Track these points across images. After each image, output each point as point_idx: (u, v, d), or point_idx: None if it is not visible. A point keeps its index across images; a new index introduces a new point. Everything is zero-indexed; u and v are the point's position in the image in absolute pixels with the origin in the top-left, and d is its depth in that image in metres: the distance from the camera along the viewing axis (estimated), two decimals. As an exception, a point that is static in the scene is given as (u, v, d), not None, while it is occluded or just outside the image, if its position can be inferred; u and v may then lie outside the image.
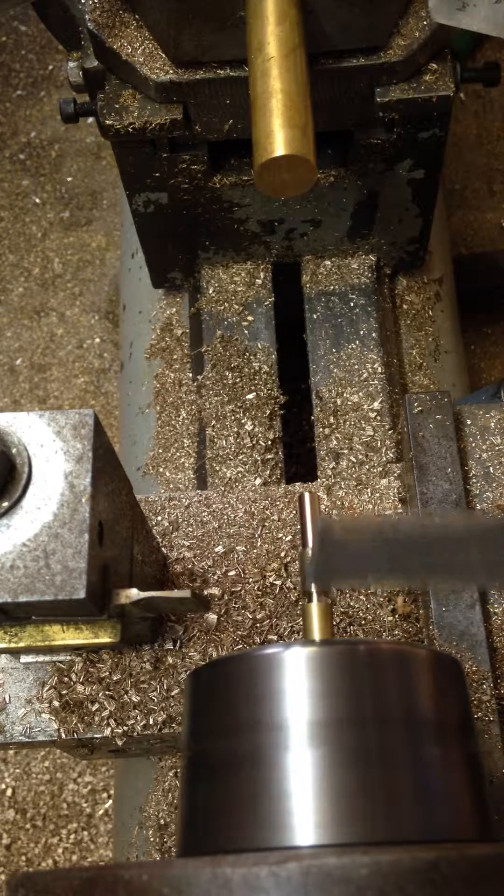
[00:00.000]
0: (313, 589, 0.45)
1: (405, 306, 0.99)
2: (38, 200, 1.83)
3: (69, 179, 1.84)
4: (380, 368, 0.91)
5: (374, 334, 0.93)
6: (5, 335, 1.72)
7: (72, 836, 1.39)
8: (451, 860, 0.33)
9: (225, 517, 0.66)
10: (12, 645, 0.47)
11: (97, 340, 1.71)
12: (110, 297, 1.73)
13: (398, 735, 0.40)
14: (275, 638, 0.61)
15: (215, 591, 0.62)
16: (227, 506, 0.66)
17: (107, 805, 1.40)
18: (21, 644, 0.47)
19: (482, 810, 0.42)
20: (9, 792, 1.42)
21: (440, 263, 1.03)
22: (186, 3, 0.66)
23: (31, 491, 0.42)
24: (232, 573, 0.63)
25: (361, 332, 0.93)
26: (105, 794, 1.41)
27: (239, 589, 0.62)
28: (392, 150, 0.81)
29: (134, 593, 0.45)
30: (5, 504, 0.42)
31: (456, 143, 1.65)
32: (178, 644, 0.61)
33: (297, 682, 0.41)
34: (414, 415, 0.68)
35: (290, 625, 0.61)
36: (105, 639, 0.48)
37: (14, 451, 0.43)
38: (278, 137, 0.59)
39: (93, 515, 0.42)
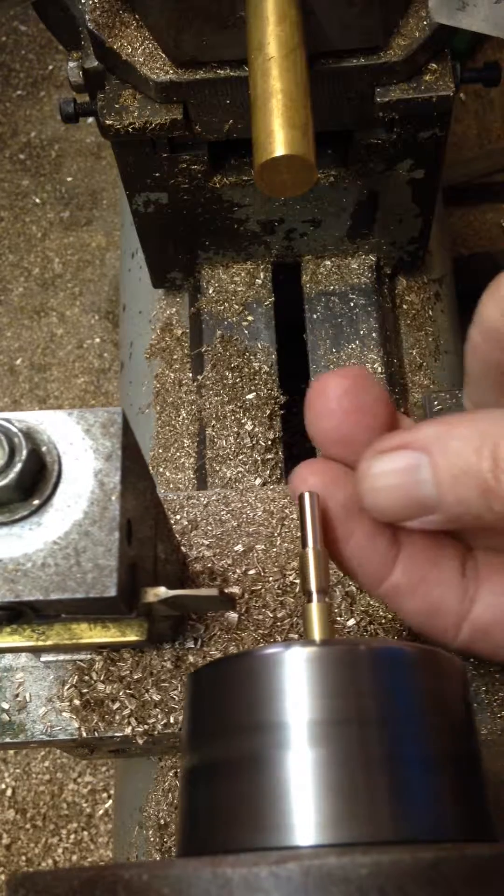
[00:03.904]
0: (313, 589, 0.45)
1: (405, 306, 0.99)
2: (38, 200, 1.83)
3: (69, 179, 1.84)
4: (380, 368, 0.91)
5: (374, 334, 0.93)
6: (5, 335, 1.72)
7: (72, 836, 1.39)
8: (451, 860, 0.33)
9: (244, 516, 0.66)
10: (39, 643, 0.47)
11: (97, 340, 1.71)
12: (110, 297, 1.73)
13: (399, 735, 0.40)
14: (296, 636, 0.61)
15: (236, 589, 0.62)
16: (245, 504, 0.66)
17: (107, 805, 1.40)
18: (48, 642, 0.47)
19: (483, 810, 0.42)
20: (9, 792, 1.42)
21: (440, 263, 1.03)
22: (186, 3, 0.66)
23: (61, 489, 0.42)
24: (252, 572, 0.63)
25: (361, 332, 0.93)
26: (105, 794, 1.41)
27: (259, 588, 0.62)
28: (392, 150, 0.81)
29: (162, 591, 0.45)
30: (36, 502, 0.42)
31: (456, 143, 1.65)
32: (199, 643, 0.61)
33: (297, 682, 0.41)
34: (435, 412, 0.68)
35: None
36: (132, 637, 0.47)
37: (44, 449, 0.43)
38: (278, 137, 0.60)
39: (122, 513, 0.42)
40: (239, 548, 0.64)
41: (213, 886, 0.33)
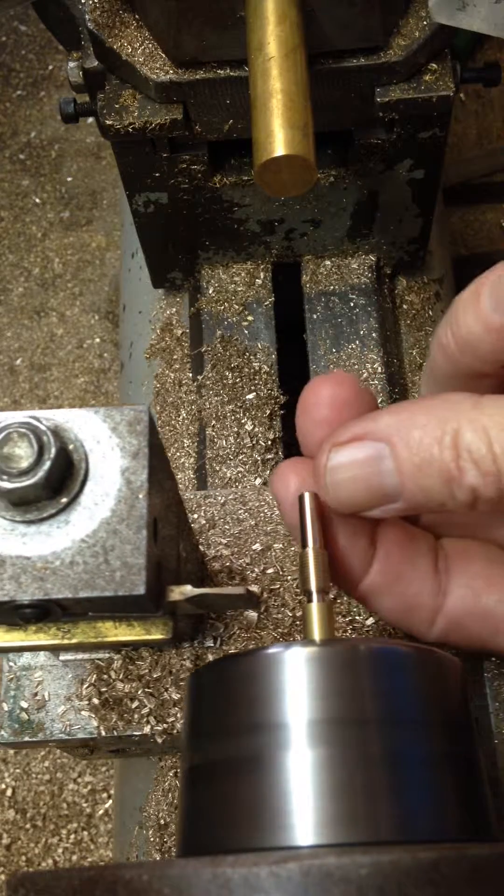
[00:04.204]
0: (313, 589, 0.45)
1: (405, 306, 0.99)
2: (38, 200, 1.83)
3: (69, 179, 1.84)
4: (380, 368, 0.91)
5: (374, 334, 0.93)
6: (5, 335, 1.72)
7: (72, 836, 1.39)
8: (451, 860, 0.33)
9: (262, 515, 0.66)
10: (65, 641, 0.47)
11: (97, 340, 1.71)
12: (110, 297, 1.73)
13: (399, 735, 0.40)
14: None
15: (254, 588, 0.62)
16: (263, 503, 0.66)
17: (107, 805, 1.40)
18: (73, 640, 0.47)
19: (483, 810, 0.42)
20: (9, 792, 1.42)
21: (440, 263, 1.03)
22: (186, 3, 0.66)
23: (89, 487, 0.42)
24: (270, 571, 0.63)
25: (361, 332, 0.93)
26: (105, 794, 1.41)
27: (278, 587, 0.62)
28: (392, 150, 0.81)
29: (188, 590, 0.45)
30: (64, 500, 0.42)
31: (456, 143, 1.65)
32: (218, 642, 0.60)
33: (297, 682, 0.41)
34: None
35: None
36: (157, 635, 0.47)
37: (71, 447, 0.43)
38: (278, 137, 0.59)
39: (150, 512, 0.42)
40: (257, 546, 0.64)
41: (213, 886, 0.33)
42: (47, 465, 0.41)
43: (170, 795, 0.74)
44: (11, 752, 1.43)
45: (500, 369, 0.44)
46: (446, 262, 1.07)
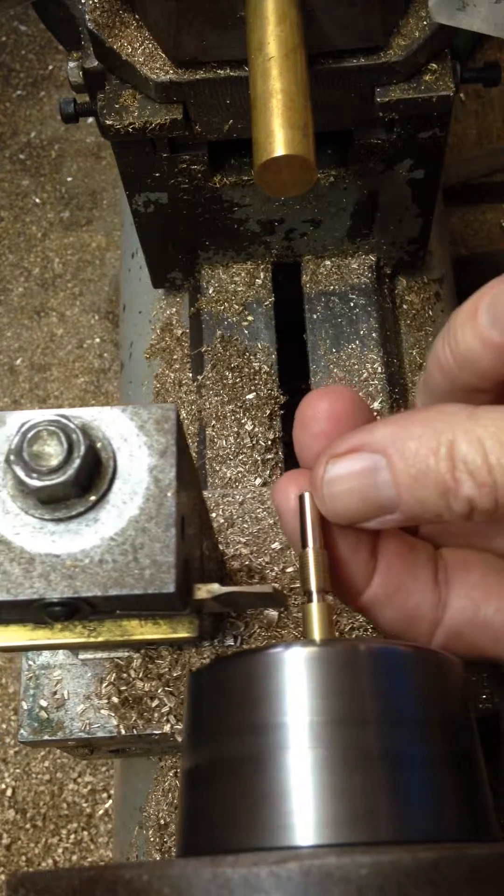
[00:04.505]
0: (313, 589, 0.45)
1: (405, 306, 0.99)
2: (38, 200, 1.83)
3: (69, 179, 1.84)
4: (380, 368, 0.91)
5: (374, 334, 0.93)
6: (5, 335, 1.72)
7: (72, 836, 1.39)
8: (451, 860, 0.33)
9: None
10: (91, 640, 0.47)
11: (97, 340, 1.71)
12: (110, 297, 1.73)
13: (399, 734, 0.40)
14: (336, 634, 0.61)
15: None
16: None
17: (107, 805, 1.40)
18: (99, 639, 0.47)
19: (483, 810, 0.42)
20: (9, 792, 1.42)
21: (440, 263, 1.03)
22: (186, 3, 0.66)
23: (117, 485, 0.42)
24: (290, 570, 0.63)
25: (361, 332, 0.93)
26: (105, 794, 1.41)
27: (297, 585, 0.62)
28: (392, 150, 0.81)
29: (216, 588, 0.45)
30: (92, 498, 0.42)
31: (456, 143, 1.65)
32: (238, 640, 0.60)
33: (297, 682, 0.41)
34: None
35: (349, 622, 0.61)
36: (183, 634, 0.47)
37: (99, 445, 0.43)
38: (278, 137, 0.59)
39: (178, 510, 0.42)
40: (276, 545, 0.64)
41: (213, 886, 0.33)
42: (77, 462, 0.41)
43: (170, 795, 0.74)
44: (11, 752, 1.43)
45: (497, 385, 0.44)
46: (446, 262, 1.07)
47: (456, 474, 0.40)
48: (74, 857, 1.37)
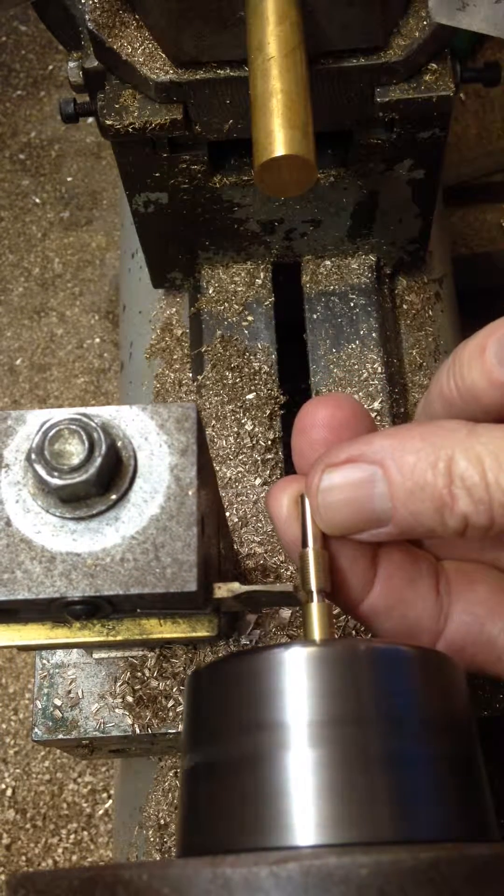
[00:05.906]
0: (313, 589, 0.45)
1: (405, 306, 0.99)
2: (38, 200, 1.83)
3: (69, 179, 1.84)
4: (380, 368, 0.91)
5: (374, 334, 0.93)
6: (5, 335, 1.72)
7: (72, 836, 1.39)
8: (451, 860, 0.33)
9: None
10: (109, 638, 0.47)
11: (97, 340, 1.71)
12: (110, 297, 1.73)
13: (399, 734, 0.40)
14: (353, 634, 0.61)
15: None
16: None
17: (107, 805, 1.40)
18: (118, 637, 0.47)
19: (483, 810, 0.42)
20: (9, 792, 1.42)
21: (440, 263, 1.03)
22: (186, 3, 0.66)
23: (138, 484, 0.42)
24: None
25: (361, 332, 0.93)
26: (105, 794, 1.41)
27: None
28: (392, 150, 0.81)
29: (236, 586, 0.45)
30: (113, 497, 0.42)
31: (456, 143, 1.65)
32: (253, 640, 0.60)
33: (297, 681, 0.41)
34: None
35: (356, 622, 0.61)
36: (202, 632, 0.47)
37: (120, 444, 0.43)
38: (278, 137, 0.59)
39: (199, 509, 0.42)
40: None
41: (213, 886, 0.33)
42: (98, 461, 0.40)
43: (170, 795, 0.74)
44: (11, 752, 1.43)
45: (499, 420, 0.44)
46: (446, 262, 1.07)
47: (453, 490, 0.39)
48: (74, 858, 1.37)
